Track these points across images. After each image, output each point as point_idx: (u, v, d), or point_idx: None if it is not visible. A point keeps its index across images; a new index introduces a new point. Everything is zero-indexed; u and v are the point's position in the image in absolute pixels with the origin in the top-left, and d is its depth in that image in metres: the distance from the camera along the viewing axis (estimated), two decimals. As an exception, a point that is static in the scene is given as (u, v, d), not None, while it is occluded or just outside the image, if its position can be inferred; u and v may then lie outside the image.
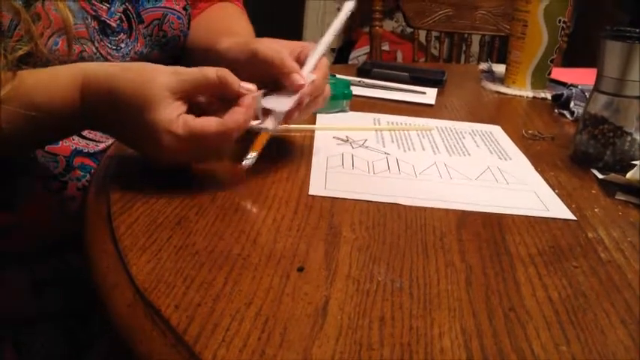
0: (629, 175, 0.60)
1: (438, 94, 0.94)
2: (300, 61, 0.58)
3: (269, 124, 0.52)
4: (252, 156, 0.51)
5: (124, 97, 0.50)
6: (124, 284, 0.39)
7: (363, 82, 0.95)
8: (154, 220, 0.47)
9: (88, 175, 0.67)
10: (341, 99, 0.78)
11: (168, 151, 0.49)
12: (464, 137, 0.73)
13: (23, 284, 0.66)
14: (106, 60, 0.66)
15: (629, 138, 0.64)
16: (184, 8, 0.76)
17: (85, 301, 0.64)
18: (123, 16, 0.70)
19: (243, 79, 0.51)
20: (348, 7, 0.64)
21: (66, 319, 0.67)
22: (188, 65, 0.51)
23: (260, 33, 0.84)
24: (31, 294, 0.66)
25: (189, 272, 0.40)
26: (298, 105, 0.55)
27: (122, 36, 0.70)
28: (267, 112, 0.53)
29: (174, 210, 0.48)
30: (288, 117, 0.55)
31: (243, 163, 0.52)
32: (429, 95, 0.92)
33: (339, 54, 3.07)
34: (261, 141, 0.53)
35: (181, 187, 0.52)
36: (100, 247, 0.44)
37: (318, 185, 0.55)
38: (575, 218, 0.53)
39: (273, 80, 0.56)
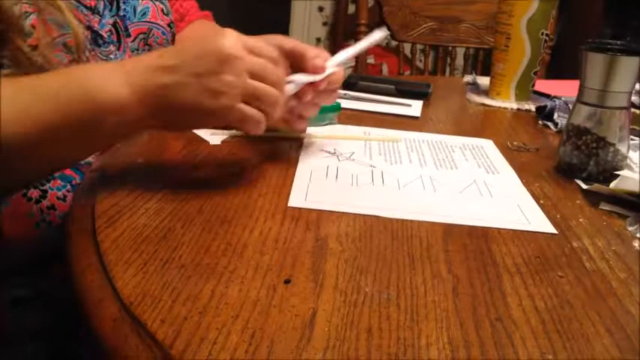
0: (612, 185, 0.60)
1: (424, 107, 0.95)
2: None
3: (289, 87, 0.60)
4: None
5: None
6: (109, 299, 0.39)
7: (349, 94, 0.96)
8: (140, 233, 0.46)
9: (68, 185, 0.66)
10: (330, 112, 0.79)
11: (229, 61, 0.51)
12: (454, 151, 0.73)
13: (2, 301, 0.65)
14: None
15: (611, 149, 0.64)
16: (169, 25, 0.78)
17: (69, 317, 0.64)
18: (112, 29, 0.71)
19: None
20: (378, 35, 0.71)
21: (49, 337, 0.66)
22: None
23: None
24: (10, 312, 0.65)
25: (175, 286, 0.40)
26: (314, 86, 0.62)
27: (112, 47, 0.71)
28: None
29: (160, 223, 0.48)
30: (303, 93, 0.62)
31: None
32: (414, 108, 0.93)
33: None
34: None
35: (167, 199, 0.52)
36: (84, 262, 0.44)
37: (299, 197, 0.55)
38: (555, 232, 0.53)
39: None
